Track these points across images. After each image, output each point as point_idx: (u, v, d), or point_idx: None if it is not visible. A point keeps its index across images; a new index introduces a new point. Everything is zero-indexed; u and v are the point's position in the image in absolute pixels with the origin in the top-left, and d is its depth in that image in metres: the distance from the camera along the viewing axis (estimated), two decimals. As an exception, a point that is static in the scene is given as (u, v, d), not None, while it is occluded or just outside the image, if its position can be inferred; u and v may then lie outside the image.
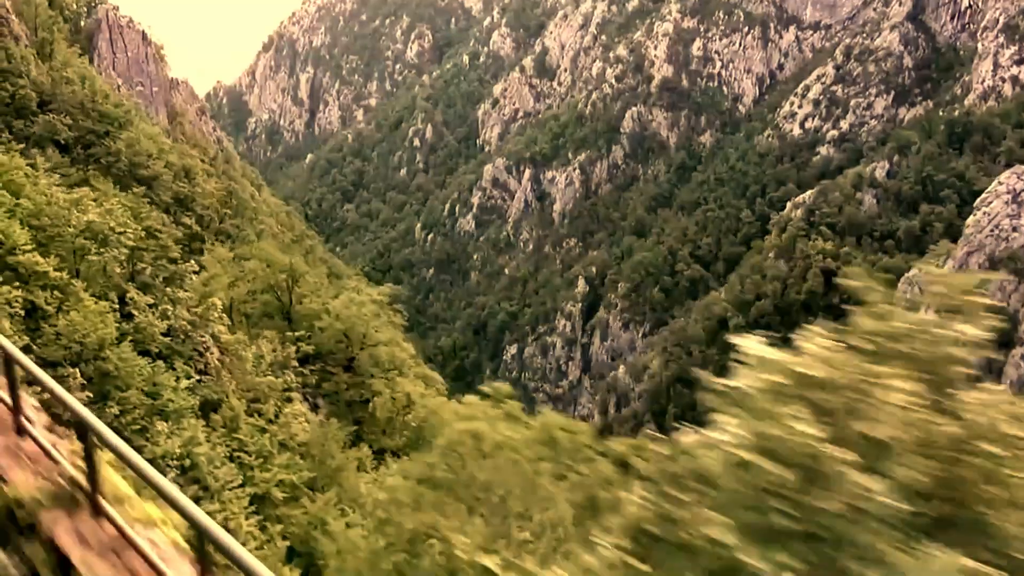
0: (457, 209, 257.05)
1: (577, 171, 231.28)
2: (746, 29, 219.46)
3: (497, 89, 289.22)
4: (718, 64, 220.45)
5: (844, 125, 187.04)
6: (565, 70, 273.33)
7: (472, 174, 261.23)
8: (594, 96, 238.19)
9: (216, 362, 23.49)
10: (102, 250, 21.69)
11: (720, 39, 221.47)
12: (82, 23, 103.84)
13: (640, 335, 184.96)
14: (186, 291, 23.72)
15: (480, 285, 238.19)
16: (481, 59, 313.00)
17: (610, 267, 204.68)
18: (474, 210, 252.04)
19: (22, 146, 53.08)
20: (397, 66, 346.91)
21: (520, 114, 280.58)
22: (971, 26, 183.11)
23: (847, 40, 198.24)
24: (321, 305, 29.22)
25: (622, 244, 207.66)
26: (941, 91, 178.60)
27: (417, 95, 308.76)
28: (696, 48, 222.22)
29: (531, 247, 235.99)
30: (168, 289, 23.13)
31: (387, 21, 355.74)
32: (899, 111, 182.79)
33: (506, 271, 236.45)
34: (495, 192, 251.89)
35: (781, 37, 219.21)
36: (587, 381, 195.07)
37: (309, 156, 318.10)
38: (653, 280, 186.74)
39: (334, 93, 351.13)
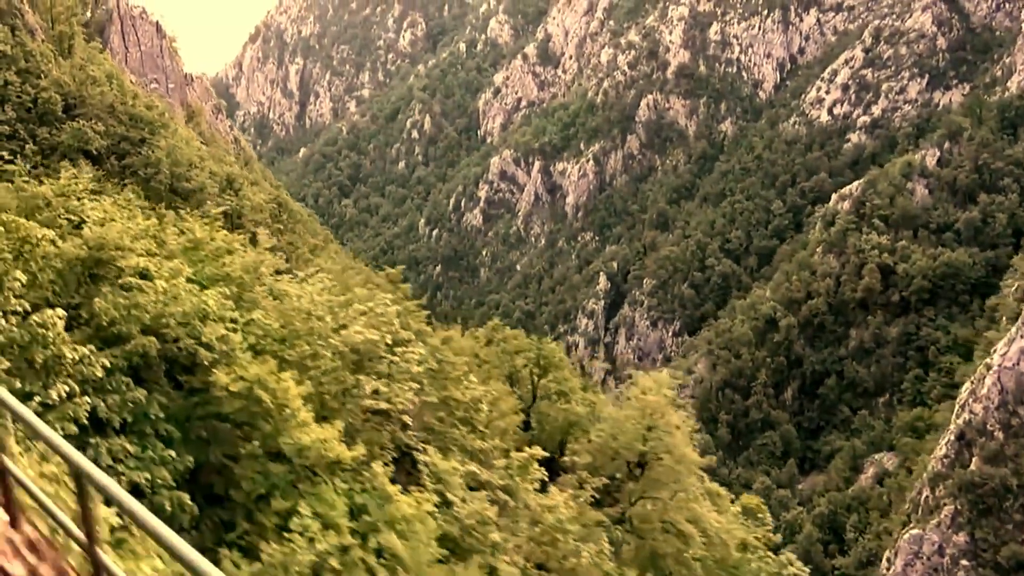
0: (463, 203, 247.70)
1: (590, 162, 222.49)
2: (765, 12, 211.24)
3: (498, 78, 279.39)
4: (736, 49, 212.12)
5: (876, 111, 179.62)
6: (570, 57, 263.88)
7: (477, 166, 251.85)
8: (605, 84, 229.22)
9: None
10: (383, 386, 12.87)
11: (738, 23, 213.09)
12: (88, 14, 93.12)
13: (670, 334, 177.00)
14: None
15: (491, 282, 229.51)
16: (479, 47, 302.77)
17: (632, 262, 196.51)
18: (481, 204, 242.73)
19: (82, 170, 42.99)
20: (390, 55, 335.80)
21: (523, 103, 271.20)
22: (1007, 5, 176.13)
23: (875, 22, 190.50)
24: (584, 403, 20.72)
25: (643, 238, 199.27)
26: (978, 74, 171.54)
27: (413, 85, 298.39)
28: (713, 32, 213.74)
29: (543, 242, 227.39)
30: (457, 431, 14.42)
31: (378, 9, 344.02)
32: (934, 95, 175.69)
33: (518, 267, 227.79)
34: (503, 185, 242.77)
35: (802, 20, 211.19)
36: (613, 382, 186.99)
37: (303, 150, 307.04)
38: (682, 276, 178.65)
39: (325, 84, 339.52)
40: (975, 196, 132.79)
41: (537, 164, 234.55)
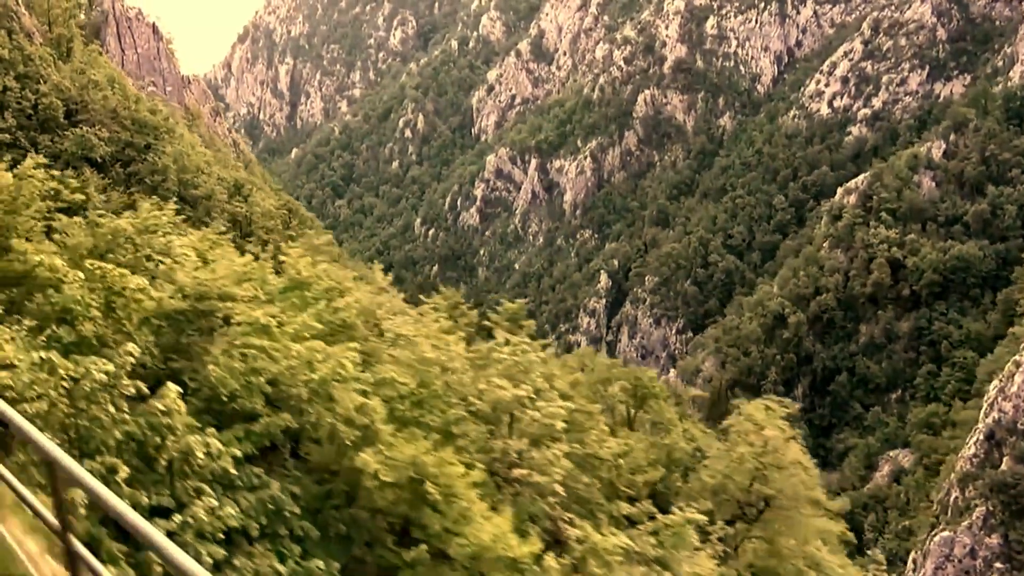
0: (459, 202, 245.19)
1: (588, 159, 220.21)
2: (762, 5, 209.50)
3: (491, 75, 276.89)
4: (734, 43, 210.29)
5: (876, 103, 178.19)
6: (564, 53, 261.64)
7: (473, 165, 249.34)
8: (601, 80, 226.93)
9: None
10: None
11: (735, 16, 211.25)
12: (81, 15, 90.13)
13: (674, 331, 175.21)
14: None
15: (490, 282, 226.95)
16: (471, 44, 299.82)
17: (633, 260, 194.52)
18: (477, 203, 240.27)
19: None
20: (380, 54, 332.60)
21: (517, 101, 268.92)
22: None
23: (874, 13, 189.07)
24: (686, 437, 18.72)
25: (644, 235, 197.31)
26: (979, 65, 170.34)
27: (405, 84, 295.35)
28: (710, 26, 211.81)
29: (541, 240, 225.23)
30: (600, 493, 12.14)
31: (368, 7, 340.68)
32: (934, 86, 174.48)
33: (516, 266, 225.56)
34: (499, 183, 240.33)
35: (798, 12, 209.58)
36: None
37: (295, 151, 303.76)
38: (684, 273, 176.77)
39: (315, 84, 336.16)
40: (983, 188, 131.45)
41: (533, 162, 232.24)
